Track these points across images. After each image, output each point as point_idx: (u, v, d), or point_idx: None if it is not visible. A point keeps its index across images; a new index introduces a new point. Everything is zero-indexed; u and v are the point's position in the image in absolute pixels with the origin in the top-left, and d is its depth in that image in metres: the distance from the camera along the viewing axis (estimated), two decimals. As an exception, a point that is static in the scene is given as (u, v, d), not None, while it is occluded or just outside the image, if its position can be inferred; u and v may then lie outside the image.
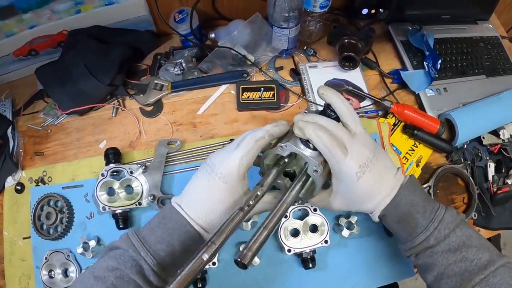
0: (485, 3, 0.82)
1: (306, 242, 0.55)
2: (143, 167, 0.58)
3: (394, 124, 0.68)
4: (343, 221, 0.58)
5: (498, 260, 0.38)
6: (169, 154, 0.60)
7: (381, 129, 0.65)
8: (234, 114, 0.66)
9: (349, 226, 0.58)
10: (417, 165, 0.67)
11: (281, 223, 0.56)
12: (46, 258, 0.56)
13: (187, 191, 0.42)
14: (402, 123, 0.68)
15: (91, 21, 0.66)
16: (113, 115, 0.66)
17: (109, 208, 0.55)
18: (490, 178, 0.68)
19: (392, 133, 0.67)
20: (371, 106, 0.68)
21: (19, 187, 0.61)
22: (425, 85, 0.70)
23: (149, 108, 0.66)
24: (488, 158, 0.70)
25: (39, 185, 0.61)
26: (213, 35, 0.70)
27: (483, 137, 0.70)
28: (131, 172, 0.57)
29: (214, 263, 0.54)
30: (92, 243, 0.55)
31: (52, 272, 0.56)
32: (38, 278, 0.57)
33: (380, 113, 0.68)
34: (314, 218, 0.56)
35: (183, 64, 0.65)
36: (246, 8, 0.70)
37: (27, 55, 0.68)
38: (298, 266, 0.57)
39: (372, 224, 0.60)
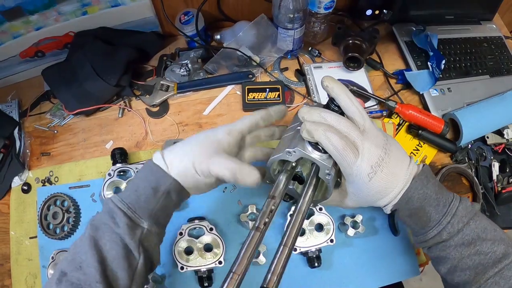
0: (488, 3, 0.83)
1: (311, 241, 0.56)
2: (150, 167, 0.59)
3: (399, 124, 0.69)
4: (348, 220, 0.59)
5: None
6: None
7: (386, 129, 0.67)
8: (239, 114, 0.67)
9: (355, 225, 0.59)
10: (422, 165, 0.68)
11: (287, 222, 0.57)
12: (52, 258, 0.57)
13: None
14: (407, 123, 0.69)
15: (97, 22, 0.67)
16: (120, 115, 0.67)
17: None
18: (494, 177, 0.69)
19: (397, 133, 0.68)
20: (376, 107, 0.69)
21: (25, 187, 0.63)
22: (429, 85, 0.72)
23: (155, 109, 0.67)
24: (492, 157, 0.71)
25: (45, 185, 0.63)
26: (218, 36, 0.71)
27: (487, 137, 0.71)
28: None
29: (220, 262, 0.55)
30: (99, 242, 0.56)
31: (59, 272, 0.57)
32: (44, 277, 0.58)
33: (384, 113, 0.69)
34: (320, 217, 0.57)
35: (189, 65, 0.67)
36: (252, 10, 0.71)
37: (33, 57, 0.69)
38: (304, 265, 0.58)
39: (378, 223, 0.61)
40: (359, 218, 0.59)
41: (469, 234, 0.39)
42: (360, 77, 0.71)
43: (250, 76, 0.67)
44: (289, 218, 0.57)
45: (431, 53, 0.73)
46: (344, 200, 0.44)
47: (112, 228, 0.38)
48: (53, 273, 0.37)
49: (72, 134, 0.66)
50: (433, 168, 0.68)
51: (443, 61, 0.70)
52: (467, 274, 0.39)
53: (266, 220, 0.35)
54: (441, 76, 0.72)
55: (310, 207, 0.57)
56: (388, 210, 0.43)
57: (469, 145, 0.71)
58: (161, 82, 0.67)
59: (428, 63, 0.73)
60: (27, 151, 0.65)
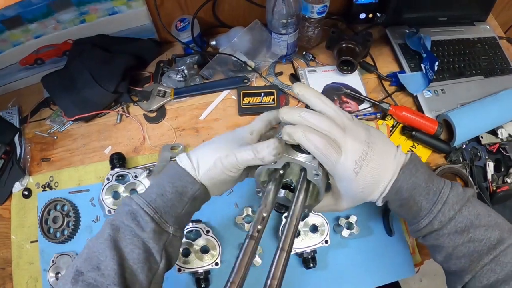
0: (482, 4, 0.85)
1: (306, 242, 0.58)
2: (147, 171, 0.61)
3: (393, 126, 0.71)
4: (343, 221, 0.61)
5: (509, 237, 0.38)
6: (173, 158, 0.64)
7: (380, 131, 0.68)
8: (235, 119, 0.69)
9: (349, 226, 0.61)
10: (416, 166, 0.69)
11: (282, 224, 0.58)
12: (53, 261, 0.59)
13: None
14: (401, 125, 0.71)
15: (95, 30, 0.70)
16: (118, 121, 0.69)
17: (114, 211, 0.58)
18: (489, 177, 0.70)
19: (391, 135, 0.70)
20: (370, 109, 0.71)
21: (26, 192, 0.65)
22: (423, 87, 0.73)
23: (152, 114, 0.70)
24: (487, 157, 0.72)
25: (46, 190, 0.65)
26: (214, 42, 0.74)
27: (482, 137, 0.72)
28: (136, 176, 0.60)
29: (217, 264, 0.57)
30: (99, 245, 0.58)
31: (59, 275, 0.59)
32: (45, 281, 0.59)
33: (378, 115, 0.71)
34: (315, 219, 0.59)
35: (185, 71, 0.69)
36: (246, 15, 0.74)
37: (33, 64, 0.72)
38: (300, 266, 0.60)
39: (372, 224, 0.63)
40: (353, 219, 0.61)
41: (462, 222, 0.39)
42: (354, 80, 0.73)
43: (245, 81, 0.69)
44: (284, 220, 0.59)
45: (424, 55, 0.75)
46: (338, 202, 0.44)
47: (134, 230, 0.38)
48: (67, 270, 0.37)
49: (71, 140, 0.69)
50: (428, 169, 0.70)
51: (437, 63, 0.72)
52: (462, 262, 0.39)
53: (259, 227, 0.36)
54: (434, 77, 0.73)
55: (306, 212, 0.58)
56: (379, 203, 0.43)
57: (464, 146, 0.72)
58: (158, 88, 0.70)
59: (422, 65, 0.75)
60: (28, 157, 0.67)
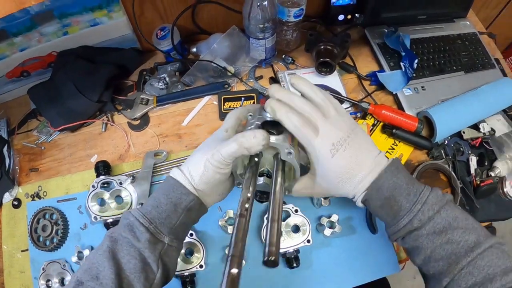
0: (461, 1, 0.87)
1: (289, 242, 0.60)
2: (132, 178, 0.63)
3: (373, 125, 0.73)
4: (324, 220, 0.63)
5: (485, 241, 0.39)
6: (157, 165, 0.66)
7: (359, 130, 0.70)
8: (217, 123, 0.71)
9: (331, 225, 0.63)
10: (398, 163, 0.71)
11: (264, 225, 0.61)
12: (43, 269, 0.62)
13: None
14: (381, 123, 0.73)
15: (78, 42, 0.72)
16: (103, 130, 0.72)
17: (100, 218, 0.61)
18: (472, 171, 0.72)
19: (372, 133, 0.72)
20: (350, 109, 0.73)
21: (16, 203, 0.67)
22: (402, 85, 0.75)
23: (136, 122, 0.72)
24: (469, 152, 0.74)
25: (35, 200, 0.67)
26: (195, 49, 0.76)
27: (463, 132, 0.74)
28: (120, 183, 0.63)
29: (201, 266, 0.59)
30: (86, 252, 0.61)
31: (50, 282, 0.61)
32: (36, 289, 0.62)
33: (359, 114, 0.73)
34: (296, 219, 0.61)
35: (167, 79, 0.72)
36: (225, 22, 0.76)
37: (19, 77, 0.74)
38: (284, 267, 0.62)
39: (355, 223, 0.65)
40: (335, 218, 0.63)
41: (440, 223, 0.40)
42: (333, 81, 0.75)
43: (226, 86, 0.72)
44: (265, 221, 0.61)
45: (403, 54, 0.77)
46: (315, 186, 0.46)
47: (131, 241, 0.40)
48: (69, 281, 0.40)
49: (58, 149, 0.71)
50: (410, 165, 0.72)
51: (416, 61, 0.74)
52: (440, 264, 0.40)
53: (247, 206, 0.38)
54: (414, 75, 0.75)
55: (286, 209, 0.60)
56: (358, 202, 0.45)
57: (446, 141, 0.74)
58: (141, 96, 0.72)
59: (401, 63, 0.77)
60: (16, 167, 0.70)
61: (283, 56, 0.78)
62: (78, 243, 0.63)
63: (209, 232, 0.63)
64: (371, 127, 0.72)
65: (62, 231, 0.64)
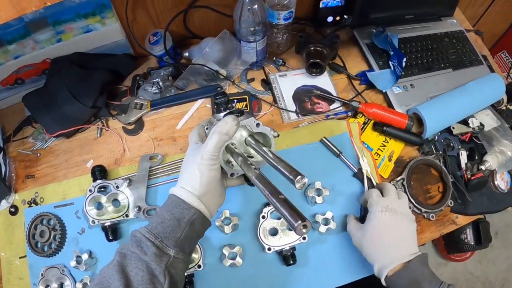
0: (448, 0, 0.91)
1: (285, 240, 0.62)
2: (128, 181, 0.65)
3: (364, 123, 0.76)
4: (319, 218, 0.65)
5: None
6: (152, 168, 0.68)
7: (351, 129, 0.73)
8: (211, 126, 0.73)
9: (326, 222, 0.65)
10: (390, 160, 0.74)
11: (260, 224, 0.63)
12: (42, 275, 0.63)
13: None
14: (372, 121, 0.76)
15: (72, 48, 0.74)
16: (98, 135, 0.74)
17: (98, 222, 0.62)
18: (463, 165, 0.75)
19: (363, 131, 0.75)
20: (341, 108, 0.76)
21: (13, 209, 0.69)
22: (391, 83, 0.78)
23: (131, 127, 0.74)
24: (460, 147, 0.77)
25: (32, 206, 0.69)
26: (187, 54, 0.79)
27: (453, 127, 0.77)
28: (117, 187, 0.64)
29: (199, 266, 0.61)
30: (85, 256, 0.62)
31: (49, 287, 0.63)
32: (35, 295, 0.64)
33: (349, 113, 0.76)
34: (291, 217, 0.63)
35: (160, 83, 0.74)
36: (217, 26, 0.79)
37: (14, 84, 0.76)
38: (280, 264, 0.64)
39: (349, 220, 0.67)
40: (329, 215, 0.65)
41: None
42: (324, 81, 0.78)
43: (219, 89, 0.74)
44: (261, 219, 0.63)
45: (392, 53, 0.80)
46: (357, 230, 0.61)
47: (139, 255, 0.43)
48: None
49: (54, 156, 0.73)
50: (401, 162, 0.74)
51: (404, 59, 0.77)
52: None
53: (256, 170, 0.44)
54: (403, 73, 0.78)
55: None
56: (383, 274, 0.54)
57: (436, 137, 0.77)
58: (135, 101, 0.74)
59: (390, 62, 0.80)
60: (13, 175, 0.72)
61: (274, 58, 0.81)
62: (76, 247, 0.65)
63: (206, 232, 0.64)
64: (362, 125, 0.75)
65: (60, 236, 0.65)
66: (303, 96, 0.76)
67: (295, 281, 0.64)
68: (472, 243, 1.37)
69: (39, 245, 0.66)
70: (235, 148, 0.50)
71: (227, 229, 0.63)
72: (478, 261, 1.60)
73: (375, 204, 0.59)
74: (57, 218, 0.66)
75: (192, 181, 0.47)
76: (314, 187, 0.66)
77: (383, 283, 0.55)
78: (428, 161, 0.75)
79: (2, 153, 0.73)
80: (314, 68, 0.77)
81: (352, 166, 0.70)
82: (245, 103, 0.73)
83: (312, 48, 0.75)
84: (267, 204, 0.65)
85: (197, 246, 0.61)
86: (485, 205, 0.76)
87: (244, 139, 0.52)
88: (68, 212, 0.67)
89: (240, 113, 0.51)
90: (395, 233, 0.56)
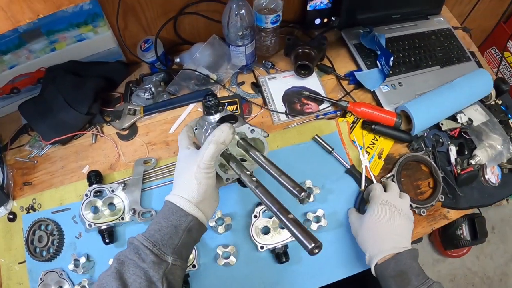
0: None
1: (277, 238, 0.65)
2: (123, 185, 0.68)
3: (353, 122, 0.78)
4: (310, 215, 0.68)
5: None
6: (146, 172, 0.71)
7: (340, 128, 0.76)
8: (203, 129, 0.76)
9: (318, 220, 0.68)
10: (379, 157, 0.76)
11: (252, 223, 0.65)
12: (41, 279, 0.66)
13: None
14: (361, 120, 0.78)
15: (66, 57, 0.77)
16: (93, 141, 0.76)
17: (94, 225, 0.65)
18: (452, 161, 0.77)
19: (352, 130, 0.77)
20: (330, 108, 0.79)
21: (11, 216, 0.71)
22: (379, 82, 0.81)
23: (125, 132, 0.77)
24: (449, 142, 0.79)
25: (30, 212, 0.71)
26: (178, 59, 0.81)
27: (442, 123, 0.79)
28: (112, 191, 0.67)
29: (194, 266, 0.63)
30: (83, 259, 0.65)
31: (48, 291, 0.65)
32: (35, 299, 0.66)
33: (338, 113, 0.79)
34: (282, 215, 0.65)
35: (153, 89, 0.77)
36: (206, 31, 0.81)
37: (9, 93, 0.78)
38: (274, 262, 0.66)
39: (341, 217, 0.70)
40: (320, 212, 0.68)
41: None
42: (313, 82, 0.81)
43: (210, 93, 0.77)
44: (253, 219, 0.65)
45: (379, 52, 0.82)
46: (357, 219, 0.64)
47: (137, 262, 0.44)
48: None
49: (50, 163, 0.75)
50: (391, 159, 0.77)
51: (392, 58, 0.79)
52: None
53: (254, 179, 0.45)
54: (391, 72, 0.81)
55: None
56: (373, 262, 0.57)
57: (425, 133, 0.79)
58: (129, 107, 0.77)
59: (377, 61, 0.83)
60: (10, 182, 0.74)
61: (263, 61, 0.83)
62: (74, 251, 0.67)
63: (200, 233, 0.67)
64: (351, 124, 0.78)
65: (58, 241, 0.67)
66: (292, 98, 0.79)
67: (289, 278, 0.66)
68: (468, 239, 1.39)
69: (37, 250, 0.68)
70: (229, 153, 0.52)
71: (221, 229, 0.66)
72: (475, 257, 1.61)
73: (376, 197, 0.63)
74: (55, 223, 0.69)
75: (189, 189, 0.48)
76: (305, 186, 0.69)
77: (372, 271, 0.58)
78: (418, 158, 0.77)
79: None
80: (303, 70, 0.79)
81: (344, 163, 0.72)
82: (235, 106, 0.76)
83: (300, 50, 0.78)
84: (259, 204, 0.68)
85: (191, 246, 0.63)
86: (476, 199, 0.78)
87: (236, 142, 0.53)
88: (66, 217, 0.70)
89: (232, 117, 0.52)
90: (390, 226, 0.59)
